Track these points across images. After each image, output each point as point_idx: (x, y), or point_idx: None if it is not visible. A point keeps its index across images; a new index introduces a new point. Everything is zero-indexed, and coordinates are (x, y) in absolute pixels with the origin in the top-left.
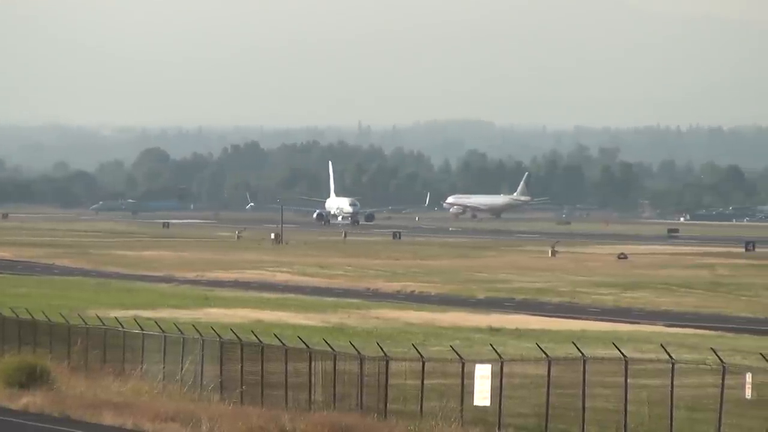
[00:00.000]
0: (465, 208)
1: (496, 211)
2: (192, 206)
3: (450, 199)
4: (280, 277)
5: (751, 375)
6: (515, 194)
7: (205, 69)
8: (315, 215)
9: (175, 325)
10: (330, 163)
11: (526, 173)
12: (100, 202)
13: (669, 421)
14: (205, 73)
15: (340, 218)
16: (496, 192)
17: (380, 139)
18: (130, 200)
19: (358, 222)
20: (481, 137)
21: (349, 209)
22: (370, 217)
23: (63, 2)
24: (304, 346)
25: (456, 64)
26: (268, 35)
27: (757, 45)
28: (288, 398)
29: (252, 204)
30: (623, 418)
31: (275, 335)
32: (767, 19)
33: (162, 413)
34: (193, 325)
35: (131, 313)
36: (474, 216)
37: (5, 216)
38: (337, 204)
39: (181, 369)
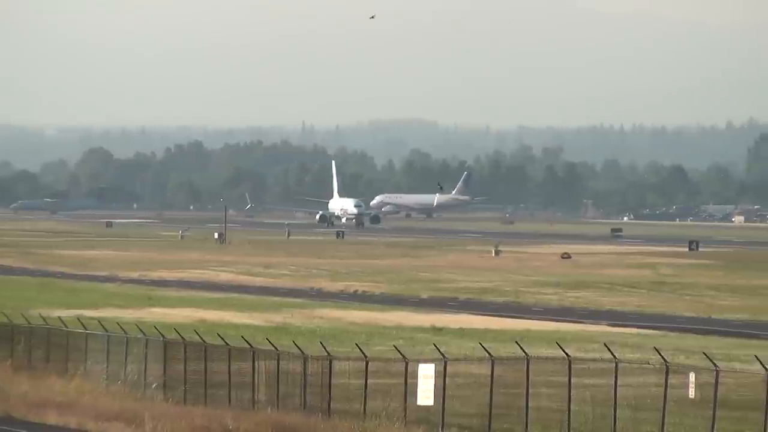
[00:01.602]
0: (398, 207)
1: (429, 211)
2: (135, 206)
3: (378, 198)
4: (224, 276)
5: (694, 374)
6: (453, 193)
7: (148, 69)
8: (318, 217)
9: (119, 324)
10: (333, 162)
11: (465, 173)
12: (19, 201)
13: (612, 421)
14: (148, 73)
15: (344, 220)
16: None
17: (324, 138)
18: (46, 199)
19: (362, 224)
20: (425, 137)
21: (354, 210)
22: (375, 219)
23: (4, 1)
24: (248, 346)
25: (399, 64)
26: (210, 35)
27: (701, 46)
28: (231, 398)
29: (251, 205)
30: (567, 418)
31: (219, 335)
32: (712, 20)
33: (105, 413)
34: (137, 325)
35: (75, 312)
36: (408, 215)
37: None
38: (341, 205)
39: (125, 368)
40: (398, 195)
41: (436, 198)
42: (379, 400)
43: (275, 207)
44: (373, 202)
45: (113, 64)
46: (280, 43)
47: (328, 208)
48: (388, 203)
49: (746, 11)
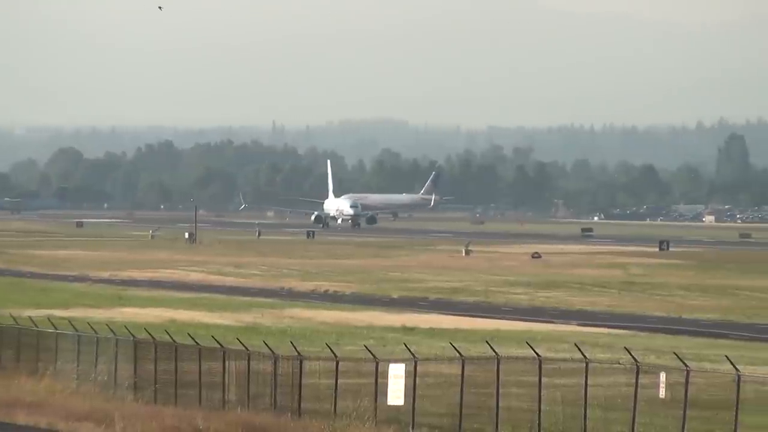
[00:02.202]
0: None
1: (394, 210)
2: (105, 205)
3: (342, 197)
4: (194, 276)
5: (664, 374)
6: (421, 193)
7: (119, 69)
8: (313, 217)
9: (89, 324)
10: (329, 162)
11: (433, 172)
12: None
13: (583, 421)
14: (118, 73)
15: (339, 221)
16: (411, 191)
17: (294, 138)
18: (6, 198)
19: (359, 225)
20: (395, 137)
21: (350, 211)
22: (372, 220)
23: None
24: (218, 346)
25: (369, 64)
26: (181, 36)
27: (671, 45)
28: (202, 398)
29: (245, 205)
30: (537, 418)
31: (189, 335)
32: (683, 20)
33: (76, 412)
34: (107, 325)
35: (45, 312)
36: (395, 216)
37: None
38: (337, 205)
39: (95, 368)
40: (365, 195)
41: (403, 197)
42: (350, 400)
43: (269, 207)
44: (243, 205)
45: (83, 63)
46: (251, 44)
47: (323, 209)
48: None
49: (716, 12)
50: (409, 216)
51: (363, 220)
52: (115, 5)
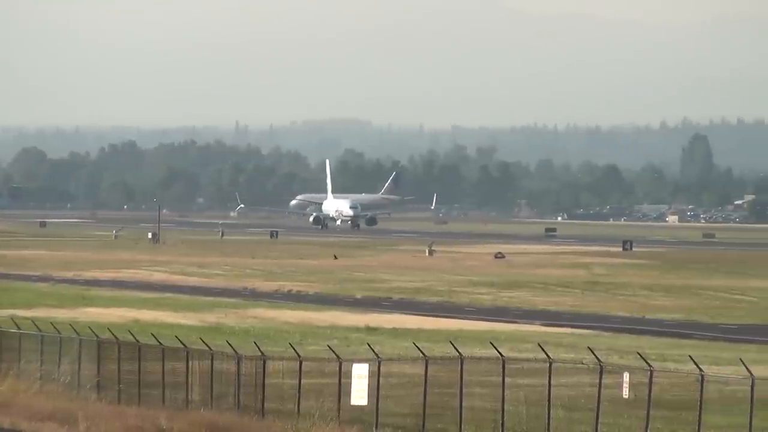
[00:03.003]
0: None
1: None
2: (68, 205)
3: (298, 198)
4: (158, 276)
5: (628, 374)
6: (381, 193)
7: (82, 69)
8: (312, 219)
9: (53, 324)
10: (327, 161)
11: (394, 172)
12: None
13: (546, 421)
14: (81, 73)
15: (338, 222)
16: (374, 191)
17: (257, 138)
18: None
19: (358, 226)
20: (359, 137)
21: (350, 212)
22: (371, 221)
23: None
24: (182, 346)
25: (333, 64)
26: (144, 36)
27: (634, 45)
28: (165, 398)
29: (242, 206)
30: (500, 418)
31: (152, 335)
32: (644, 20)
33: (39, 412)
34: (71, 325)
35: (8, 312)
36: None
37: None
38: (336, 206)
39: (59, 368)
40: (320, 195)
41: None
42: (313, 400)
43: (266, 208)
44: (293, 203)
45: (47, 63)
46: (214, 44)
47: (321, 210)
48: (310, 203)
49: (679, 12)
50: (388, 215)
51: (363, 221)
52: (78, 6)
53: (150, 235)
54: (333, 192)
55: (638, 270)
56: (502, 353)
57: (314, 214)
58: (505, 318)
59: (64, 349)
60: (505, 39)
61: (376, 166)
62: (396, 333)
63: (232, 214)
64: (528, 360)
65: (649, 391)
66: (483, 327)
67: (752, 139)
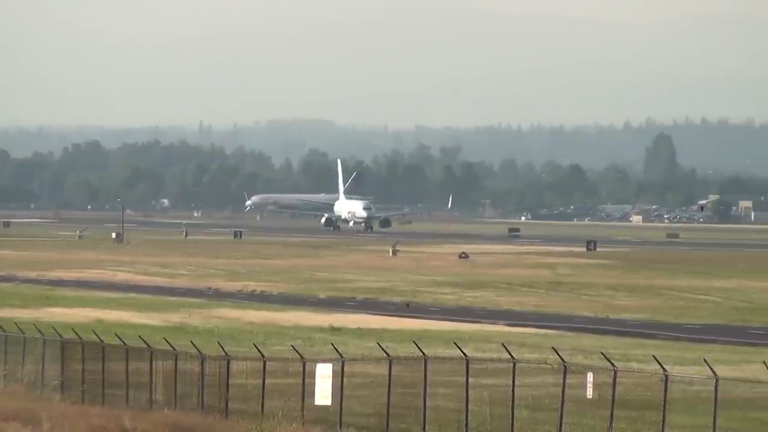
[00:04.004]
0: (281, 207)
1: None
2: (32, 205)
3: (254, 198)
4: (122, 276)
5: (592, 374)
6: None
7: (46, 68)
8: (323, 220)
9: (16, 324)
10: (339, 161)
11: (355, 172)
12: None
13: (510, 421)
14: (45, 72)
15: (351, 223)
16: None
17: (222, 138)
18: None
19: (371, 228)
20: (323, 137)
21: (363, 213)
22: (385, 222)
23: None
24: (145, 346)
25: (297, 64)
26: (108, 35)
27: (599, 45)
28: (129, 398)
29: (251, 204)
30: (464, 418)
31: (116, 335)
32: (608, 19)
33: (2, 413)
34: (34, 325)
35: None
36: (294, 216)
37: None
38: (349, 207)
39: (22, 368)
40: (279, 195)
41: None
42: (277, 400)
43: (280, 210)
44: (248, 203)
45: (10, 63)
46: (178, 43)
47: (333, 211)
48: (268, 203)
49: (642, 12)
50: (403, 216)
51: (376, 222)
52: (40, 5)
53: (114, 235)
54: (291, 193)
55: (602, 270)
56: (466, 353)
57: (326, 215)
58: (469, 318)
59: (28, 349)
60: (469, 39)
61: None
62: (360, 333)
63: (195, 214)
64: (492, 360)
65: (613, 391)
66: (447, 327)
67: (716, 139)
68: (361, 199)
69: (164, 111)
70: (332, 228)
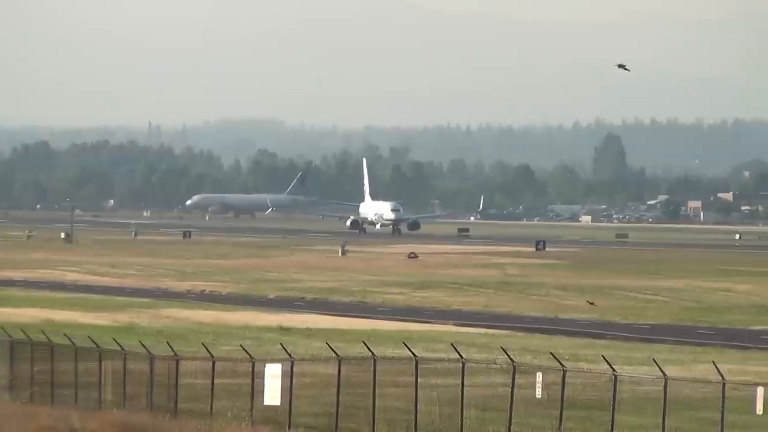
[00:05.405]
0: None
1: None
2: None
3: (195, 198)
4: (71, 276)
5: (541, 374)
6: (286, 193)
7: None
8: (349, 222)
9: None
10: (364, 159)
11: (300, 173)
12: None
13: (459, 421)
14: None
15: (378, 226)
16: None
17: (170, 138)
18: None
19: (399, 231)
20: (272, 137)
21: (391, 215)
22: (414, 225)
23: None
24: (94, 346)
25: (246, 64)
26: (56, 34)
27: (546, 44)
28: (78, 397)
29: (273, 208)
30: (414, 418)
31: (65, 335)
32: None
33: None
34: None
35: None
36: (237, 216)
37: None
38: (375, 209)
39: None
40: (222, 195)
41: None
42: (226, 400)
43: (299, 211)
44: (189, 202)
45: None
46: (126, 43)
47: (359, 213)
48: (211, 203)
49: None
50: (432, 219)
51: (405, 225)
52: None
53: (63, 235)
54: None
55: (551, 270)
56: (415, 353)
57: (352, 217)
58: (418, 318)
59: None
60: (418, 39)
61: (289, 166)
62: (309, 333)
63: (145, 214)
64: (441, 360)
65: (562, 391)
66: (396, 327)
67: (665, 139)
68: (388, 201)
69: (113, 111)
70: (358, 230)
